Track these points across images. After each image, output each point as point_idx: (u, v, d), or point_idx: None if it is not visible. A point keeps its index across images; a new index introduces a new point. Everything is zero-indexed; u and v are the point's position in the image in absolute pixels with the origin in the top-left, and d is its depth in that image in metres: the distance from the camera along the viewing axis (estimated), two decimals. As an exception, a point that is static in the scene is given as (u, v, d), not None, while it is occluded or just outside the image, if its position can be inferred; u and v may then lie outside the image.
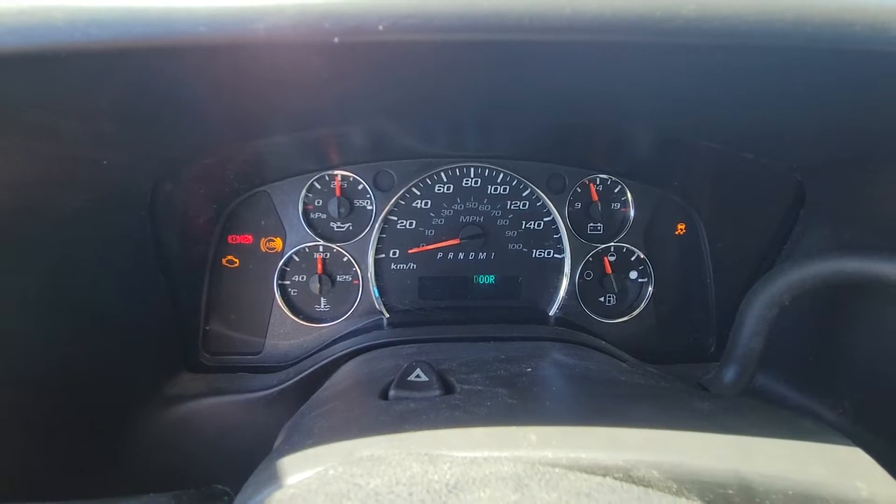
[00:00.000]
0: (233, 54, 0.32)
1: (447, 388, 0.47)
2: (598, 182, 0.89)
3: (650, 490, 0.31)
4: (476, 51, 0.34)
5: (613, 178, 0.89)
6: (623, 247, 0.90)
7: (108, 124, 0.43)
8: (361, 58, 0.34)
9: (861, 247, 0.55)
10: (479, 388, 0.47)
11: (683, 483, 0.32)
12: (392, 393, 0.46)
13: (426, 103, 0.52)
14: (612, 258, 0.91)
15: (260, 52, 0.31)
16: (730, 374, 0.63)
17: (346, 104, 0.50)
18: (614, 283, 0.89)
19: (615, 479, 0.32)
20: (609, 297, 0.92)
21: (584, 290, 0.90)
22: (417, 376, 0.48)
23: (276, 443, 0.46)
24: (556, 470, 0.32)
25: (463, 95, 0.49)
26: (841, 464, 0.36)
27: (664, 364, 0.86)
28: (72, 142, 0.46)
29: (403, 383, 0.47)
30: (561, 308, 0.89)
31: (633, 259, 0.91)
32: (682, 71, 0.38)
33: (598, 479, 0.32)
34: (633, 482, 0.32)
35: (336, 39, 0.29)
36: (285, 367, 0.81)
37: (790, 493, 0.33)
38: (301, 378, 0.74)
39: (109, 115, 0.41)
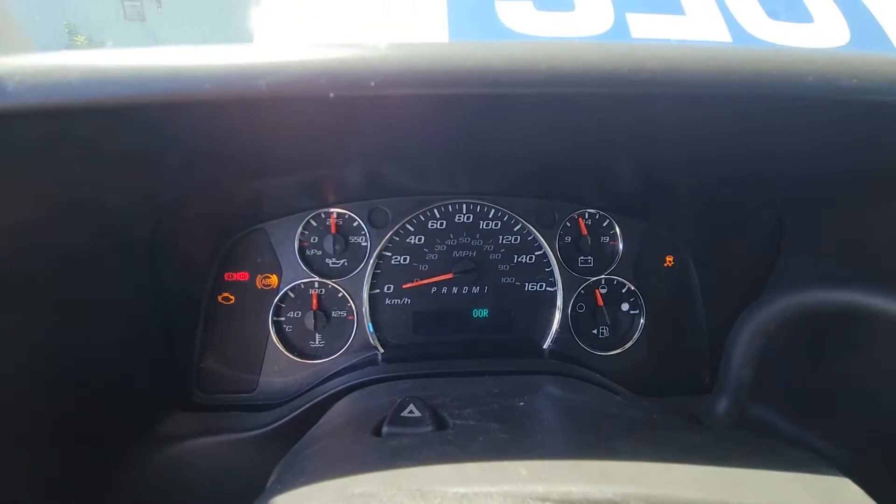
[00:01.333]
0: (236, 108, 0.34)
1: (440, 424, 0.47)
2: (586, 216, 0.92)
3: (640, 523, 0.32)
4: (462, 102, 0.36)
5: (601, 213, 0.92)
6: (614, 279, 0.92)
7: (113, 170, 0.45)
8: (357, 109, 0.36)
9: (842, 277, 0.57)
10: (472, 422, 0.47)
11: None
12: (385, 429, 0.46)
13: (419, 148, 0.55)
14: (604, 290, 0.92)
15: (262, 105, 0.34)
16: (722, 405, 0.63)
17: (343, 149, 0.52)
18: (606, 316, 0.90)
19: (605, 512, 0.33)
20: (602, 329, 0.92)
21: (577, 323, 0.91)
22: (411, 412, 0.48)
23: (269, 481, 0.46)
24: (547, 504, 0.32)
25: (453, 141, 0.52)
26: (830, 495, 0.37)
27: (659, 396, 0.86)
28: (77, 185, 0.48)
29: (397, 419, 0.47)
30: (555, 341, 0.90)
31: (624, 291, 0.92)
32: (653, 118, 0.41)
33: (589, 512, 0.32)
34: (623, 515, 0.32)
35: (332, 94, 0.31)
36: (279, 405, 0.81)
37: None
38: (295, 416, 0.74)
39: (115, 162, 0.43)
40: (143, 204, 0.62)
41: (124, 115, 0.34)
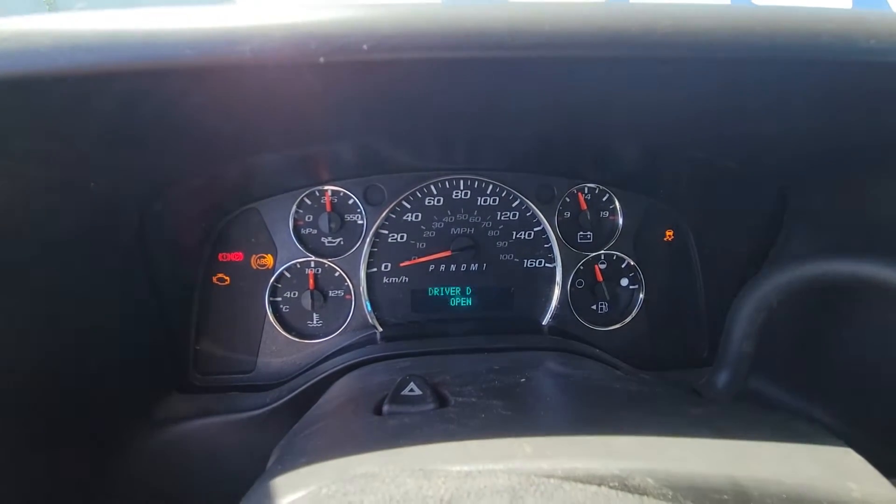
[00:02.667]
0: (220, 76, 0.32)
1: (441, 402, 0.47)
2: (586, 191, 0.90)
3: (646, 498, 0.31)
4: (461, 67, 0.34)
5: (601, 188, 0.90)
6: (613, 254, 0.91)
7: (95, 148, 0.43)
8: (348, 76, 0.34)
9: (844, 249, 0.57)
10: (473, 400, 0.47)
11: (679, 490, 0.32)
12: (386, 408, 0.45)
13: (414, 119, 0.53)
14: (603, 266, 0.91)
15: (247, 73, 0.32)
16: (722, 378, 0.63)
17: (335, 122, 0.50)
18: (606, 291, 0.90)
19: (610, 488, 0.32)
20: (601, 304, 0.92)
21: (577, 299, 0.91)
22: (411, 390, 0.48)
23: (269, 463, 0.45)
24: (552, 481, 0.32)
25: (450, 111, 0.49)
26: (833, 464, 0.37)
27: (659, 370, 0.86)
28: (58, 166, 0.46)
29: (397, 398, 0.47)
30: (554, 317, 0.90)
31: (623, 266, 0.92)
32: (660, 86, 0.39)
33: (594, 488, 0.32)
34: (629, 491, 0.32)
35: (322, 59, 0.29)
36: (278, 385, 0.80)
37: (784, 496, 0.33)
38: (294, 396, 0.74)
39: (96, 139, 0.41)
40: (129, 185, 0.60)
41: (99, 86, 0.32)
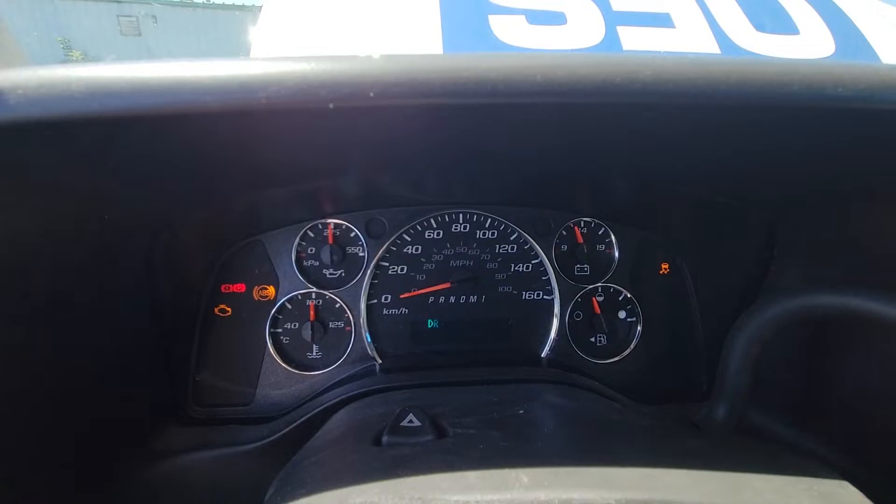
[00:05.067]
0: (236, 119, 0.35)
1: (440, 433, 0.47)
2: (582, 225, 0.93)
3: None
4: (459, 113, 0.37)
5: (597, 221, 0.93)
6: (610, 287, 0.93)
7: (113, 182, 0.45)
8: (355, 119, 0.37)
9: (831, 283, 0.58)
10: (472, 431, 0.47)
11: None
12: (385, 439, 0.46)
13: (416, 158, 0.55)
14: (601, 298, 0.93)
15: (261, 116, 0.34)
16: (720, 411, 0.63)
17: (341, 159, 0.53)
18: (604, 323, 0.91)
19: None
20: (599, 337, 0.93)
21: (575, 331, 0.91)
22: (410, 421, 0.48)
23: (268, 495, 0.45)
24: (548, 511, 0.32)
25: (450, 151, 0.52)
26: (828, 497, 0.37)
27: (659, 404, 0.86)
28: (76, 198, 0.48)
29: (396, 429, 0.47)
30: (553, 349, 0.90)
31: (620, 299, 0.93)
32: (646, 128, 0.41)
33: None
34: (625, 521, 0.32)
35: (331, 105, 0.32)
36: (276, 418, 0.80)
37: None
38: (292, 428, 0.73)
39: (116, 175, 0.43)
40: (141, 216, 0.62)
41: (126, 128, 0.35)
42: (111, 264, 0.62)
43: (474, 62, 0.33)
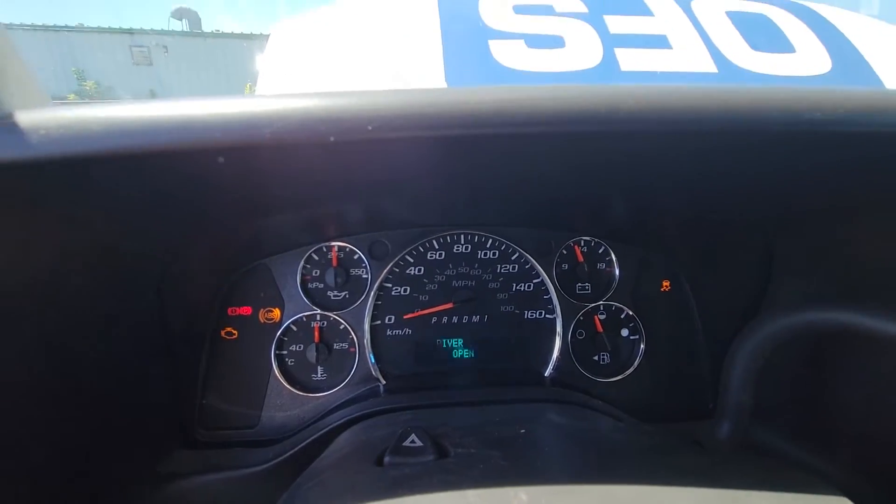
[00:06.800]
0: (243, 153, 0.37)
1: (441, 453, 0.48)
2: (582, 244, 0.94)
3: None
4: (456, 142, 0.39)
5: (597, 240, 0.94)
6: (612, 305, 0.93)
7: (124, 214, 0.47)
8: (356, 151, 0.39)
9: (828, 299, 0.59)
10: (473, 451, 0.47)
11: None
12: (387, 459, 0.47)
13: (417, 185, 0.57)
14: (602, 317, 0.93)
15: (267, 150, 0.37)
16: (724, 429, 0.63)
17: (343, 188, 0.55)
18: (606, 342, 0.91)
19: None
20: (603, 355, 0.93)
21: (578, 350, 0.92)
22: (412, 441, 0.49)
23: None
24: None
25: (449, 178, 0.54)
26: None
27: (664, 422, 0.85)
28: (91, 230, 0.51)
29: (398, 449, 0.48)
30: (556, 368, 0.90)
31: (622, 317, 0.93)
32: (638, 153, 0.43)
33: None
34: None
35: (332, 139, 0.34)
36: (282, 440, 0.80)
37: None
38: (297, 450, 0.74)
39: (126, 207, 0.45)
40: (152, 246, 0.64)
41: (138, 163, 0.37)
42: (121, 292, 0.63)
43: (464, 96, 0.35)
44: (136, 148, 0.33)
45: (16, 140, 0.33)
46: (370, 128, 0.34)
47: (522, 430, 0.54)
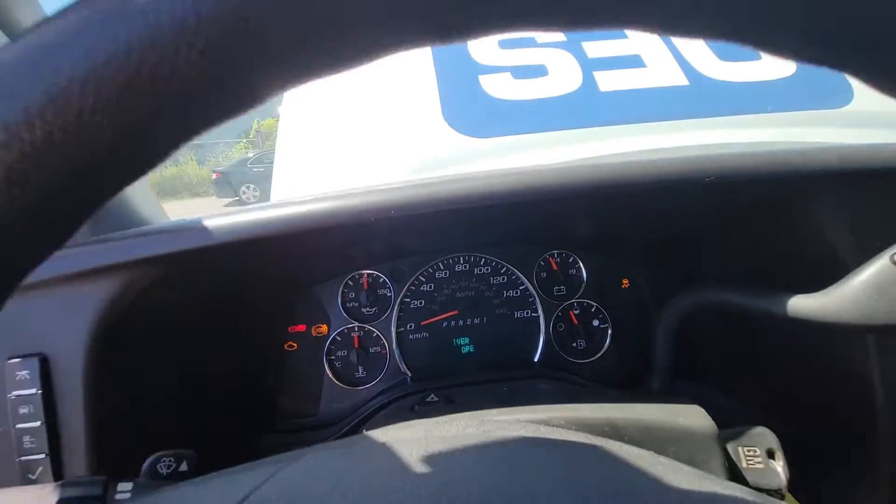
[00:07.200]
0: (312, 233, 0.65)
1: (450, 402, 0.74)
2: (556, 256, 1.19)
3: (559, 430, 0.57)
4: (457, 210, 0.66)
5: (567, 252, 1.19)
6: (584, 302, 1.18)
7: (247, 277, 0.76)
8: (384, 223, 0.67)
9: (728, 284, 0.83)
10: (469, 399, 0.74)
11: (572, 424, 0.58)
12: (416, 408, 0.73)
13: (430, 229, 0.85)
14: (577, 311, 1.18)
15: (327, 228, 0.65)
16: (655, 382, 0.88)
17: (374, 237, 0.83)
18: (581, 331, 1.16)
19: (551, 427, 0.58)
20: (579, 342, 1.17)
21: (559, 339, 1.16)
22: (432, 398, 0.76)
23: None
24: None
25: (451, 222, 0.82)
26: (677, 411, 0.62)
27: (627, 387, 1.10)
28: (229, 286, 0.80)
29: (423, 403, 0.74)
30: (543, 354, 1.15)
31: (593, 310, 1.18)
32: (575, 207, 0.70)
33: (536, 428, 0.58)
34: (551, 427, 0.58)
35: (373, 219, 0.62)
36: (336, 423, 1.07)
37: (641, 426, 0.58)
38: (348, 429, 1.00)
39: (249, 273, 0.74)
40: (259, 290, 0.94)
41: (251, 247, 0.65)
42: (228, 319, 0.92)
43: (461, 186, 0.63)
44: (244, 238, 0.62)
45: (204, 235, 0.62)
46: (392, 212, 0.62)
47: (505, 388, 0.80)
